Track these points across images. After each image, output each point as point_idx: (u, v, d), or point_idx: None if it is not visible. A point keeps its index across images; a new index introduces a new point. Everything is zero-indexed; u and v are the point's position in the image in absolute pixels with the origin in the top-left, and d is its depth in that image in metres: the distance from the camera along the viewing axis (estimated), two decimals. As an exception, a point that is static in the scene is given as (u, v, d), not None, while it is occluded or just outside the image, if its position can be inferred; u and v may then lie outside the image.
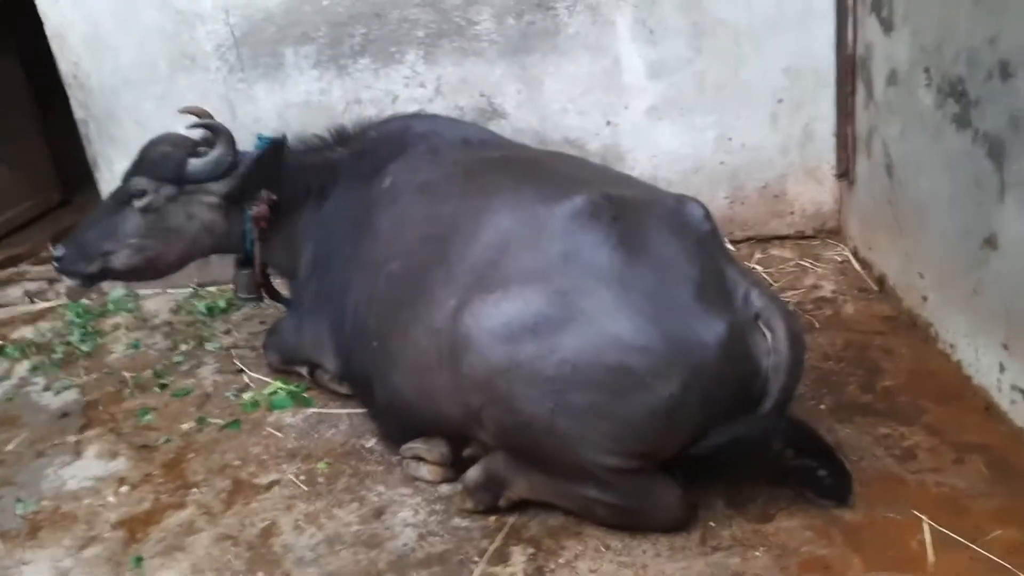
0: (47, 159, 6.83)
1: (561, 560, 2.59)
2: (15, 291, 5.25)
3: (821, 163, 4.35)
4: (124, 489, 3.22)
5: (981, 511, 2.56)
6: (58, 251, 3.65)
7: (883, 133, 3.64)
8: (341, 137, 3.65)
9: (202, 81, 4.50)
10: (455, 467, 2.96)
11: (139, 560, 2.82)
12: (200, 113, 3.71)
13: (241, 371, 3.98)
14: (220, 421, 3.58)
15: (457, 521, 2.81)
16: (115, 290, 5.04)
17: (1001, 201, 2.75)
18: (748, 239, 4.49)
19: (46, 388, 4.08)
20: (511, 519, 2.77)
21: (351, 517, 2.90)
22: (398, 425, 3.06)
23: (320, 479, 3.12)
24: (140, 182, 3.56)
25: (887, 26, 3.47)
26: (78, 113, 4.68)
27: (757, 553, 2.52)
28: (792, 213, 4.48)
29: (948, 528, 2.49)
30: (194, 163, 3.56)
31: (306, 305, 3.58)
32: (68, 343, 4.51)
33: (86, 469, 3.39)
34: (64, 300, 5.10)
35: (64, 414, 3.82)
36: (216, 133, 3.56)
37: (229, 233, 3.66)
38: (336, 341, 3.36)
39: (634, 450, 2.47)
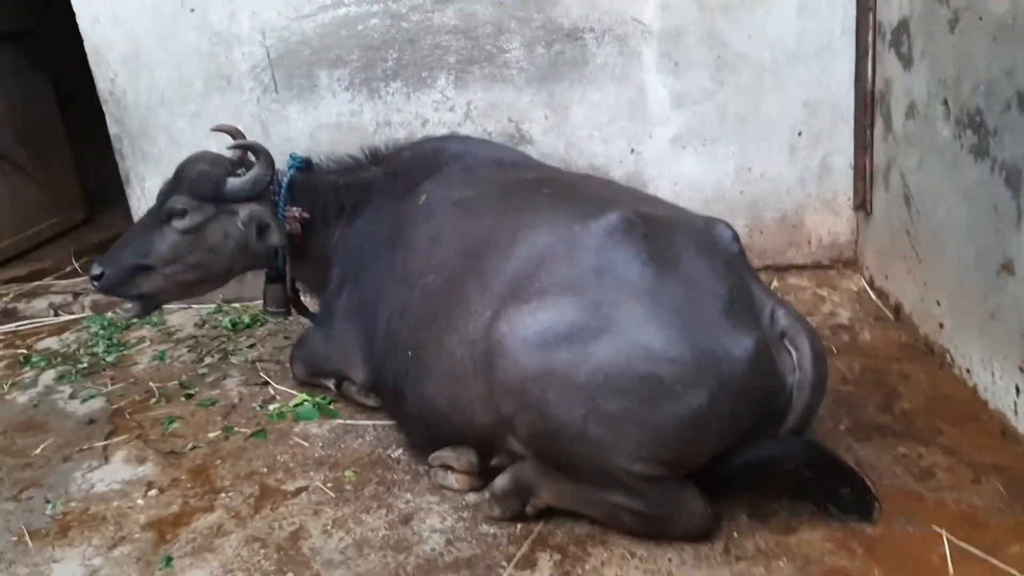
0: (73, 177, 6.97)
1: (587, 567, 2.63)
2: (40, 303, 5.33)
3: (838, 194, 4.45)
4: (152, 493, 3.27)
5: (1000, 527, 2.61)
6: (95, 270, 3.62)
7: (901, 165, 3.74)
8: (375, 157, 3.75)
9: (236, 101, 4.62)
10: (482, 476, 3.02)
11: (169, 560, 2.86)
12: (233, 132, 3.81)
13: (267, 383, 4.04)
14: (246, 430, 3.64)
15: (484, 528, 2.86)
16: (140, 304, 5.13)
17: (1018, 228, 2.83)
18: (766, 268, 4.58)
19: (72, 396, 4.14)
20: (537, 527, 2.82)
21: (379, 523, 2.94)
22: (428, 434, 3.11)
23: (347, 486, 3.17)
24: (180, 201, 3.57)
25: (906, 62, 3.58)
26: (112, 129, 4.80)
27: (780, 563, 2.57)
28: (809, 243, 4.57)
29: (967, 543, 2.54)
30: (233, 182, 3.59)
31: (336, 317, 3.64)
32: (93, 354, 4.58)
33: (114, 473, 3.44)
34: (88, 313, 5.19)
35: (91, 421, 3.87)
36: (256, 153, 3.63)
37: (263, 251, 3.72)
38: (367, 352, 3.43)
39: (662, 457, 2.53)
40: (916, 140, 3.54)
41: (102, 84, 4.71)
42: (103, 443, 3.66)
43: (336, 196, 3.71)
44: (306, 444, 3.49)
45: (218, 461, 3.44)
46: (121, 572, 2.83)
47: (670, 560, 2.62)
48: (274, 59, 4.56)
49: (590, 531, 2.77)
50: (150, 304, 3.77)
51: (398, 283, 3.24)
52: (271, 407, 3.80)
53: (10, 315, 5.25)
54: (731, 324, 2.55)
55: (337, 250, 3.71)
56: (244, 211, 3.59)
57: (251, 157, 3.66)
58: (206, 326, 4.80)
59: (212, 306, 4.98)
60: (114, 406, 3.98)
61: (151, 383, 4.16)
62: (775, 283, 4.50)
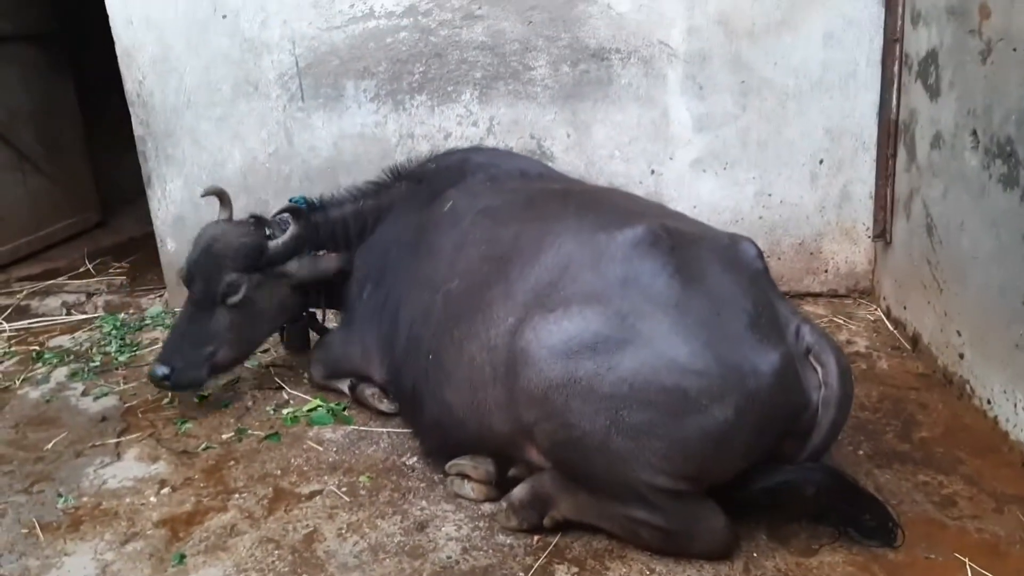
0: (90, 180, 7.00)
1: (605, 581, 2.62)
2: (53, 302, 5.34)
3: (857, 224, 4.46)
4: (165, 491, 3.26)
5: (1022, 557, 2.59)
6: (161, 370, 3.61)
7: (924, 194, 3.75)
8: (398, 174, 3.82)
9: (262, 108, 4.65)
10: (499, 487, 3.00)
11: (182, 557, 2.84)
12: (220, 194, 3.92)
13: (280, 388, 4.04)
14: (260, 433, 3.63)
15: (501, 538, 2.84)
16: (153, 306, 5.15)
17: (1046, 258, 2.84)
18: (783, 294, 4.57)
19: (84, 393, 4.13)
20: (555, 539, 2.80)
21: (394, 528, 2.93)
22: (445, 441, 3.10)
23: (362, 491, 3.16)
24: (233, 278, 3.63)
25: (933, 92, 3.61)
26: (137, 131, 4.82)
27: (800, 585, 2.55)
28: (826, 271, 4.58)
29: (989, 571, 2.53)
30: (274, 246, 3.69)
31: (356, 319, 3.66)
32: (106, 353, 4.58)
33: (127, 470, 3.42)
34: (101, 313, 5.19)
35: (103, 418, 3.87)
36: (295, 214, 3.72)
37: (304, 302, 3.91)
38: (387, 356, 3.43)
39: (685, 472, 2.51)
40: (941, 170, 3.56)
41: (130, 85, 4.74)
42: (115, 440, 3.65)
43: (345, 226, 3.84)
44: (320, 448, 3.47)
45: (231, 462, 3.43)
46: (134, 567, 2.81)
47: (689, 577, 2.60)
48: (302, 68, 4.59)
49: (608, 545, 2.76)
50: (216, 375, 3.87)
51: (421, 288, 3.24)
52: (285, 411, 3.79)
53: (23, 312, 5.26)
54: (757, 339, 2.55)
55: (355, 264, 3.78)
56: (298, 265, 3.74)
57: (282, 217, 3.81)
58: (220, 330, 4.78)
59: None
60: (127, 404, 3.98)
61: (164, 383, 4.14)
62: (792, 310, 4.50)
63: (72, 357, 4.55)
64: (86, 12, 5.79)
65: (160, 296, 5.26)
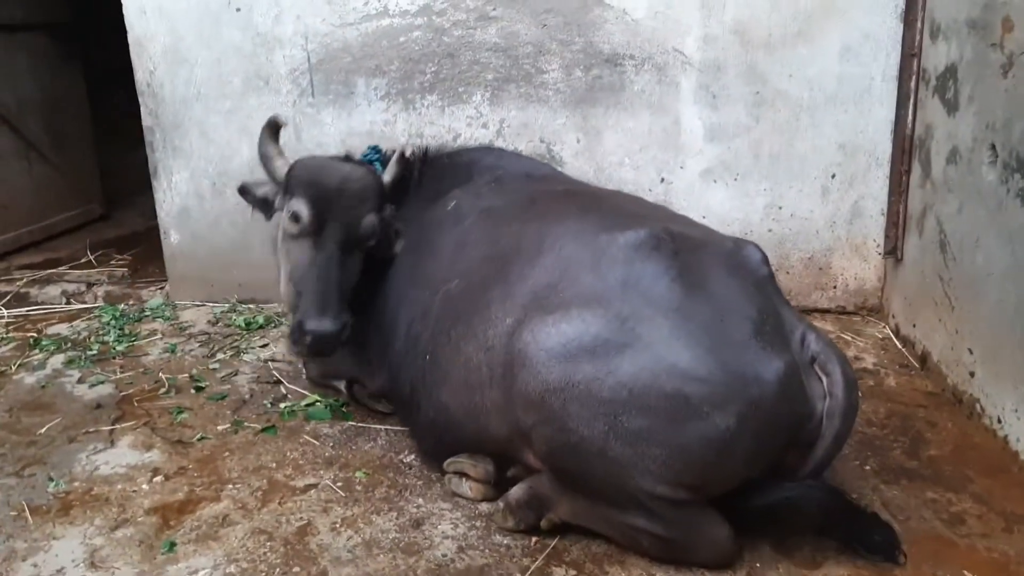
0: (95, 173, 6.97)
1: (604, 585, 2.56)
2: (53, 290, 5.29)
3: (867, 240, 4.42)
4: (158, 479, 3.20)
5: (1034, 577, 2.54)
6: (333, 324, 3.16)
7: (938, 210, 3.71)
8: (423, 159, 3.69)
9: (272, 102, 4.62)
10: (497, 486, 2.94)
11: (172, 545, 2.78)
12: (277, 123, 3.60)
13: (278, 382, 3.99)
14: (256, 425, 3.57)
15: (497, 538, 2.78)
16: (154, 298, 5.10)
17: (1064, 275, 2.79)
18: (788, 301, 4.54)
19: (80, 380, 4.07)
20: (553, 541, 2.74)
21: (389, 525, 2.87)
22: (441, 442, 3.04)
23: (358, 487, 3.10)
24: (373, 220, 3.31)
25: (951, 107, 3.57)
26: (146, 121, 4.79)
27: (804, 597, 2.49)
28: (835, 287, 4.53)
29: (999, 590, 2.47)
30: (387, 186, 3.45)
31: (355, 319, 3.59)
32: (104, 342, 4.53)
33: (119, 457, 3.37)
34: (101, 303, 5.14)
35: (98, 405, 3.81)
36: (402, 156, 3.50)
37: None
38: (384, 356, 3.37)
39: (685, 480, 2.45)
40: (957, 185, 3.52)
41: (140, 75, 4.72)
42: (110, 427, 3.59)
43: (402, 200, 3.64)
44: (316, 443, 3.42)
45: (226, 453, 3.37)
46: (123, 553, 2.75)
47: (691, 584, 2.54)
48: (314, 64, 4.57)
49: (607, 549, 2.70)
50: None
51: (421, 286, 3.19)
52: (282, 405, 3.74)
53: (22, 299, 5.21)
54: (761, 346, 2.49)
55: None
56: (389, 215, 3.43)
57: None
58: (219, 324, 4.74)
59: (226, 305, 4.94)
60: (122, 393, 3.92)
61: (161, 374, 4.10)
62: (798, 325, 4.45)
63: (70, 345, 4.50)
64: (99, 2, 5.79)
65: (161, 288, 5.22)
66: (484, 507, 2.93)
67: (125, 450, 3.42)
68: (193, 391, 3.92)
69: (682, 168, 4.45)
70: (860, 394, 3.62)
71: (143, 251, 6.00)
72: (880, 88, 4.20)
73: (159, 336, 4.62)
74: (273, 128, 3.50)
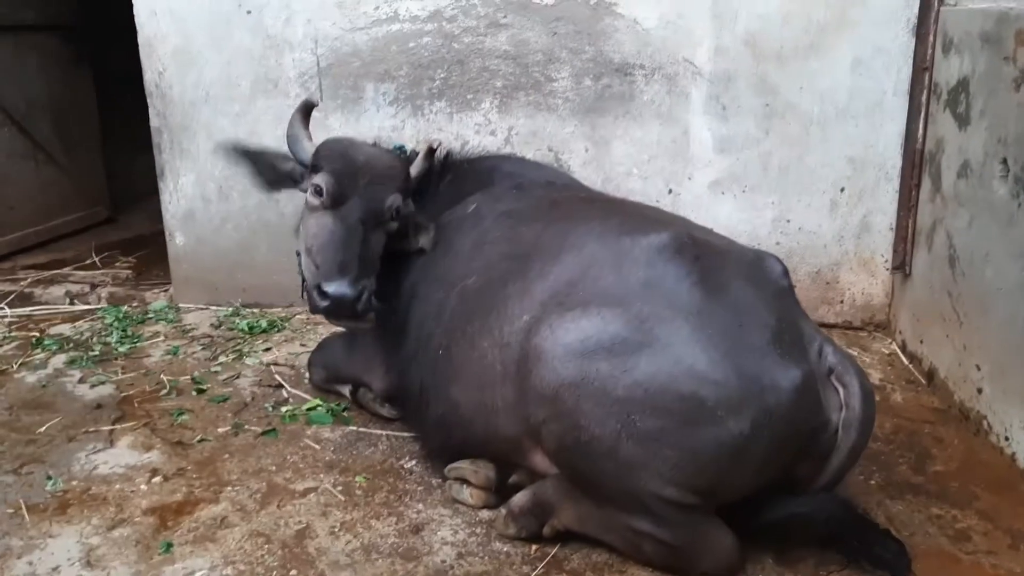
0: (101, 175, 6.97)
1: (605, 594, 2.53)
2: (57, 291, 5.28)
3: (876, 255, 4.39)
4: (157, 480, 3.18)
5: (1041, 595, 2.50)
6: (351, 289, 3.02)
7: (948, 225, 3.69)
8: (447, 161, 3.65)
9: (280, 105, 4.61)
10: (499, 493, 2.92)
11: (169, 546, 2.76)
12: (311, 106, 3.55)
13: (280, 386, 3.96)
14: (257, 428, 3.55)
15: (497, 545, 2.75)
16: (157, 300, 5.09)
17: (1075, 290, 2.76)
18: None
19: (81, 380, 4.06)
20: (553, 549, 2.71)
21: (388, 529, 2.84)
22: (448, 442, 3.01)
23: (357, 491, 3.07)
24: (398, 200, 3.25)
25: (962, 121, 3.55)
26: (154, 122, 4.79)
27: (808, 611, 2.46)
28: (842, 302, 4.50)
29: (1006, 607, 2.43)
30: (413, 175, 3.41)
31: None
32: (106, 343, 4.51)
33: (118, 457, 3.35)
34: (104, 304, 5.13)
35: (98, 405, 3.79)
36: (431, 151, 3.46)
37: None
38: (392, 357, 3.34)
39: (695, 484, 2.43)
40: (968, 200, 3.49)
41: (150, 76, 4.72)
42: (109, 427, 3.58)
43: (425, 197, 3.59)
44: (317, 447, 3.39)
45: (226, 455, 3.35)
46: (119, 553, 2.73)
47: (692, 595, 2.50)
48: (323, 68, 4.57)
49: (608, 559, 2.67)
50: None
51: (436, 285, 3.17)
52: (283, 409, 3.71)
53: (26, 299, 5.20)
54: (779, 354, 2.48)
55: None
56: (411, 208, 3.38)
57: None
58: (222, 327, 4.72)
59: (229, 308, 4.92)
60: (123, 394, 3.91)
61: (163, 375, 4.08)
62: (805, 339, 4.42)
63: (72, 345, 4.48)
64: (110, 6, 5.80)
65: (165, 291, 5.20)
66: (484, 514, 2.91)
67: (124, 450, 3.40)
68: (194, 393, 3.90)
69: (690, 179, 4.43)
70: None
71: (148, 254, 5.99)
72: (891, 102, 4.18)
73: (162, 338, 4.60)
74: (306, 110, 3.49)
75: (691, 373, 2.39)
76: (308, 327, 4.68)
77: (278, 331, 4.66)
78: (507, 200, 3.27)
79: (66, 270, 5.72)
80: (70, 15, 6.43)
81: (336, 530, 2.84)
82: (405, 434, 3.44)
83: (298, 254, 3.36)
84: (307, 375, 3.95)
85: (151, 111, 4.77)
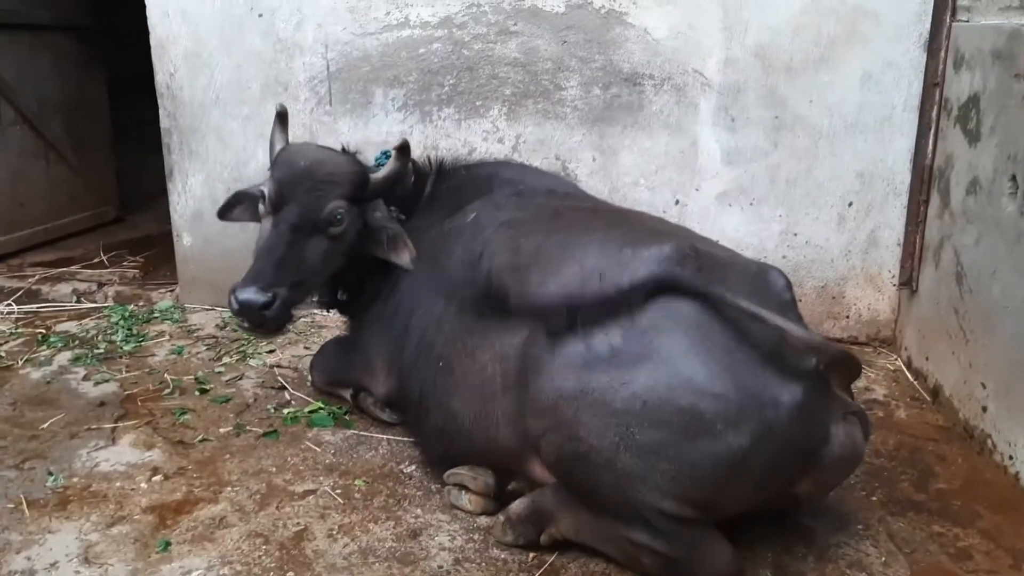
0: (111, 176, 7.02)
1: (601, 604, 2.51)
2: (64, 288, 5.31)
3: (883, 270, 4.37)
4: (157, 478, 3.18)
5: (1041, 615, 2.47)
6: (261, 296, 3.06)
7: (956, 241, 3.67)
8: (439, 170, 3.67)
9: (289, 109, 4.52)
10: (497, 500, 2.91)
11: (167, 544, 2.76)
12: (283, 113, 3.61)
13: (283, 388, 3.97)
14: (258, 430, 3.55)
15: (495, 552, 2.74)
16: (163, 300, 5.10)
17: (1081, 309, 2.75)
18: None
19: (85, 378, 4.07)
20: (551, 558, 2.70)
21: (386, 534, 2.84)
22: (447, 452, 3.01)
23: (356, 495, 3.07)
24: (340, 205, 3.27)
25: (972, 137, 3.54)
26: (164, 123, 4.81)
27: (805, 625, 2.44)
28: (847, 317, 4.48)
29: (1007, 627, 2.41)
30: (374, 180, 3.41)
31: (364, 326, 3.57)
32: (111, 341, 4.53)
33: (120, 455, 3.35)
34: (111, 303, 5.15)
35: (102, 403, 3.80)
36: (400, 150, 3.43)
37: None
38: (392, 363, 3.34)
39: (693, 498, 2.41)
40: (976, 216, 3.48)
41: (161, 78, 4.74)
42: (112, 425, 3.58)
43: (405, 202, 3.61)
44: (318, 449, 3.39)
45: (227, 456, 3.35)
46: (117, 550, 2.73)
47: (689, 607, 2.49)
48: (333, 72, 4.58)
49: (606, 569, 2.66)
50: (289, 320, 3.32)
51: (436, 295, 3.16)
52: (285, 411, 3.71)
53: (33, 296, 5.23)
54: (780, 369, 2.46)
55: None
56: (379, 216, 3.42)
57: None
58: (227, 328, 4.73)
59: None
60: (127, 392, 3.92)
61: (166, 375, 4.09)
62: (810, 352, 4.40)
63: (77, 342, 4.50)
64: (124, 8, 5.84)
65: (171, 291, 5.22)
66: (482, 520, 2.90)
67: (126, 448, 3.41)
68: (197, 393, 3.91)
69: (697, 190, 4.42)
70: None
71: (156, 254, 6.02)
72: (901, 117, 4.16)
73: (167, 338, 4.61)
74: (280, 119, 3.55)
75: (690, 386, 2.37)
76: (312, 330, 4.70)
77: (283, 333, 4.65)
78: (508, 209, 3.26)
79: (74, 268, 5.75)
80: (84, 16, 6.48)
81: (334, 533, 2.84)
82: (405, 439, 3.44)
83: None
84: (309, 378, 3.95)
85: (161, 112, 4.80)
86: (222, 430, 3.55)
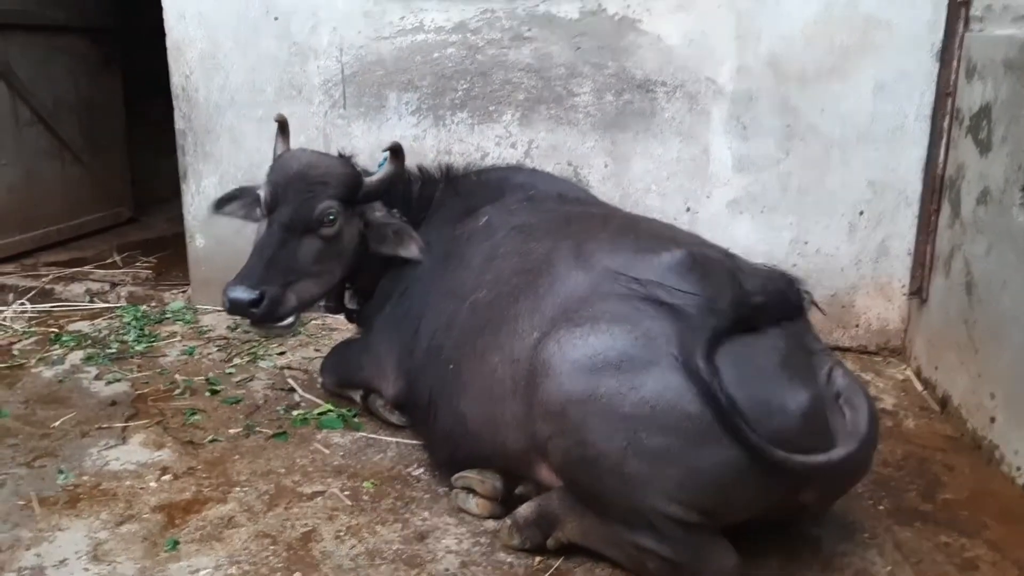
0: (126, 177, 7.08)
1: (606, 609, 2.52)
2: (77, 288, 5.35)
3: (893, 280, 4.36)
4: (167, 478, 3.21)
5: (1048, 627, 2.46)
6: (249, 293, 3.16)
7: (966, 252, 3.66)
8: (448, 176, 3.70)
9: (303, 112, 4.66)
10: (504, 504, 2.92)
11: (175, 543, 2.78)
12: (282, 122, 3.73)
13: (293, 390, 3.99)
14: (268, 431, 3.58)
15: (501, 556, 2.75)
16: (175, 301, 5.14)
17: (1092, 321, 2.74)
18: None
19: (97, 377, 4.11)
20: (557, 562, 2.70)
21: (393, 536, 2.85)
22: (455, 454, 3.02)
23: (364, 497, 3.08)
24: (331, 205, 3.33)
25: (984, 147, 3.54)
26: (179, 124, 4.85)
27: (810, 635, 2.44)
28: (857, 326, 4.48)
29: (1013, 639, 2.40)
30: (369, 182, 3.46)
31: (375, 329, 3.58)
32: (123, 341, 4.57)
33: (130, 454, 3.38)
34: (123, 303, 5.19)
35: (113, 402, 3.83)
36: (394, 152, 3.47)
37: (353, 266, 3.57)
38: (402, 365, 3.36)
39: (699, 503, 2.42)
40: (987, 226, 3.47)
41: (176, 79, 4.78)
42: (122, 424, 3.61)
43: (409, 207, 3.66)
44: (327, 451, 3.41)
45: (236, 456, 3.37)
46: (126, 548, 2.75)
47: (694, 613, 2.49)
48: (347, 75, 4.61)
49: (611, 573, 2.67)
50: (296, 319, 3.40)
51: (447, 297, 3.18)
52: (295, 412, 3.74)
53: (47, 296, 5.28)
54: (787, 377, 2.46)
55: (380, 283, 3.64)
56: (379, 215, 3.49)
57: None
58: (238, 330, 4.76)
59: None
60: (138, 392, 3.95)
61: (177, 375, 4.13)
62: (819, 361, 4.40)
63: (89, 342, 4.54)
64: (141, 9, 5.89)
65: (183, 292, 5.26)
66: (489, 524, 2.91)
67: (136, 447, 3.44)
68: (208, 394, 3.94)
69: (708, 198, 4.43)
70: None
71: (169, 255, 6.07)
72: (913, 127, 4.16)
73: (178, 338, 4.65)
74: (280, 126, 3.67)
75: (698, 393, 2.38)
76: (323, 332, 4.72)
77: (293, 335, 4.68)
78: (520, 214, 3.29)
79: (87, 268, 5.80)
80: (101, 17, 6.54)
81: (342, 534, 2.85)
82: (414, 442, 3.45)
83: None
84: (320, 380, 3.97)
85: (176, 113, 4.84)
86: (232, 431, 3.57)
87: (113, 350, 4.43)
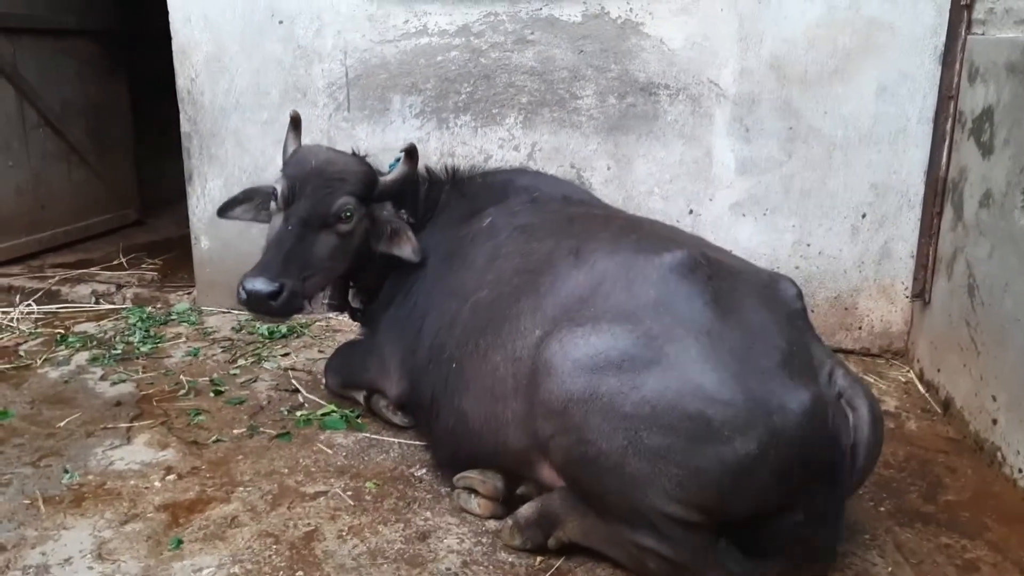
0: (132, 179, 7.12)
1: (607, 608, 2.53)
2: (84, 289, 5.38)
3: (896, 282, 4.37)
4: (171, 477, 3.22)
5: (1048, 628, 2.47)
6: (268, 285, 3.16)
7: (969, 254, 3.67)
8: (453, 177, 3.72)
9: (308, 115, 4.66)
10: (506, 504, 2.93)
11: (179, 542, 2.80)
12: (296, 118, 3.69)
13: (296, 391, 4.01)
14: (271, 431, 3.60)
15: (503, 556, 2.76)
16: (181, 303, 5.16)
17: (1093, 323, 2.74)
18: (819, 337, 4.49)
19: (102, 378, 4.13)
20: (558, 562, 2.72)
21: (395, 536, 2.86)
22: (457, 453, 3.04)
23: (367, 497, 3.10)
24: (349, 201, 3.35)
25: (986, 150, 3.54)
26: (184, 127, 4.88)
27: (810, 634, 2.44)
28: (860, 328, 4.48)
29: (1013, 640, 2.41)
30: (384, 182, 3.50)
31: (379, 329, 3.60)
32: (128, 342, 4.60)
33: (134, 454, 3.40)
34: (129, 304, 5.22)
35: (118, 403, 3.86)
36: (409, 154, 3.50)
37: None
38: (406, 365, 3.38)
39: (699, 502, 2.42)
40: (989, 229, 3.48)
41: (182, 82, 4.81)
42: (127, 425, 3.64)
43: (416, 208, 3.67)
44: (330, 452, 3.42)
45: (240, 456, 3.39)
46: (130, 547, 2.77)
47: (694, 613, 2.50)
48: (351, 79, 4.64)
49: (612, 573, 2.68)
50: (298, 310, 3.37)
51: (450, 297, 3.20)
52: (298, 413, 3.75)
53: (53, 297, 5.31)
54: (788, 376, 2.47)
55: (385, 285, 3.66)
56: (385, 214, 3.50)
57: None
58: (243, 331, 4.79)
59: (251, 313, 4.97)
60: (142, 392, 3.97)
61: (182, 376, 4.15)
62: (821, 363, 4.40)
63: (95, 343, 4.57)
64: (147, 13, 5.93)
65: (189, 294, 5.28)
66: (491, 524, 2.92)
67: (141, 447, 3.46)
68: (212, 394, 3.96)
69: (711, 200, 4.44)
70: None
71: (174, 257, 6.10)
72: (915, 129, 4.17)
73: (183, 340, 4.67)
74: (294, 123, 3.65)
75: (699, 392, 2.39)
76: (327, 333, 4.74)
77: (297, 337, 4.71)
78: (523, 215, 3.31)
79: (93, 270, 5.84)
80: (108, 21, 6.58)
81: (344, 534, 2.87)
82: (416, 442, 3.47)
83: None
84: (323, 381, 3.99)
85: (182, 116, 4.87)
86: (236, 431, 3.59)
87: (118, 351, 4.45)
